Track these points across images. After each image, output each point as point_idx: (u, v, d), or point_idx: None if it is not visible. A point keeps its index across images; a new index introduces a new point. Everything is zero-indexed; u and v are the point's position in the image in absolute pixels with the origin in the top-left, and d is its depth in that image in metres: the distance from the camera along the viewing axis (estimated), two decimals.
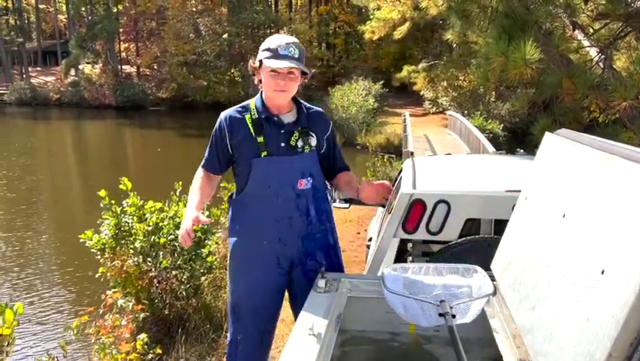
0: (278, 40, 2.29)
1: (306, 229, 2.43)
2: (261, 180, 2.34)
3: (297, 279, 2.47)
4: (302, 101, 2.49)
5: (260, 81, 2.35)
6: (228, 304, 2.55)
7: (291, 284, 2.50)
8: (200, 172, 2.50)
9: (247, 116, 2.37)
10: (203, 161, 2.48)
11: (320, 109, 2.54)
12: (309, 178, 2.39)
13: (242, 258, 2.44)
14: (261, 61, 2.29)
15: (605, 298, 1.16)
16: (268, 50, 2.27)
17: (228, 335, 2.57)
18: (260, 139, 2.32)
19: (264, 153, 2.32)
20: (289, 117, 2.40)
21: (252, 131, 2.33)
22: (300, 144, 2.36)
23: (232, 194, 2.50)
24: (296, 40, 2.34)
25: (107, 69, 41.35)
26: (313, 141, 2.40)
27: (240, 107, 2.42)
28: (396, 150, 18.76)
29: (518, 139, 17.21)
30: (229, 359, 2.56)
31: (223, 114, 2.41)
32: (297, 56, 2.27)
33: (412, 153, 4.70)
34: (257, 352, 2.53)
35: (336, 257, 2.56)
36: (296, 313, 2.43)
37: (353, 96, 24.02)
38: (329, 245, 2.52)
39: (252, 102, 2.42)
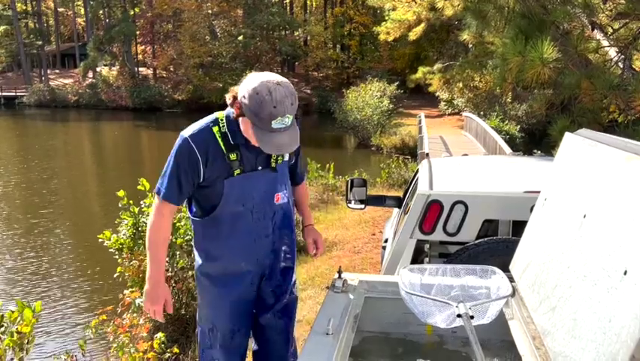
0: (270, 106, 1.87)
1: (277, 244, 2.31)
2: (235, 201, 2.13)
3: (265, 295, 2.35)
4: None
5: (236, 114, 2.00)
6: (200, 327, 2.39)
7: (257, 301, 2.37)
8: (162, 208, 2.13)
9: (215, 129, 2.08)
10: (164, 192, 2.10)
11: None
12: (284, 191, 2.26)
13: (219, 281, 2.25)
14: (242, 111, 1.95)
15: (628, 299, 1.15)
16: (256, 115, 1.90)
17: (199, 358, 2.44)
18: (232, 156, 2.07)
19: (237, 172, 2.09)
20: None
21: (222, 148, 2.07)
22: (275, 163, 2.20)
23: (193, 212, 2.24)
24: (291, 98, 1.92)
25: (124, 71, 41.86)
26: (287, 156, 2.25)
27: (205, 122, 2.12)
28: (411, 152, 18.71)
29: (535, 140, 17.06)
30: None
31: (187, 135, 2.07)
32: (290, 123, 1.93)
33: (427, 155, 4.68)
34: None
35: (293, 281, 2.44)
36: (260, 328, 2.36)
37: (368, 97, 23.99)
38: (293, 263, 2.42)
39: (221, 116, 2.12)
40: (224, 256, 2.22)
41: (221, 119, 2.11)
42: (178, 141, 2.09)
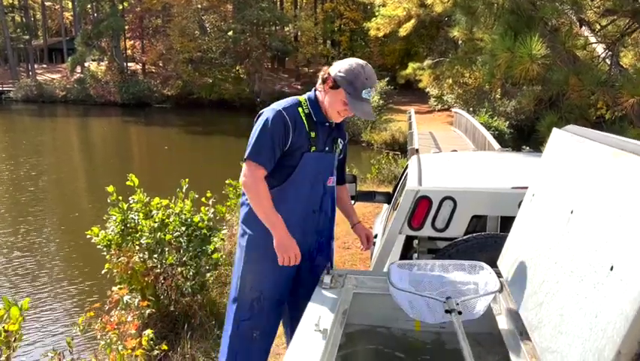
0: (363, 78, 2.28)
1: (321, 225, 2.51)
2: (306, 174, 2.39)
3: (303, 273, 2.48)
4: None
5: (327, 88, 2.35)
6: (238, 298, 2.46)
7: (295, 278, 2.50)
8: (259, 173, 2.32)
9: (300, 110, 2.39)
10: (260, 158, 2.31)
11: None
12: (334, 177, 2.54)
13: (273, 253, 2.33)
14: (336, 83, 2.30)
15: (614, 295, 1.15)
16: (351, 84, 2.28)
17: (229, 329, 2.47)
18: (312, 134, 2.39)
19: (313, 148, 2.39)
20: (333, 124, 2.48)
21: (306, 125, 2.38)
22: (335, 147, 2.50)
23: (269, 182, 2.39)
24: (374, 76, 2.36)
25: (112, 66, 41.48)
26: (342, 146, 2.55)
27: (290, 101, 2.42)
28: (401, 148, 18.75)
29: (524, 136, 17.14)
30: (233, 356, 2.47)
31: (279, 108, 2.36)
32: (371, 96, 2.34)
33: (417, 150, 4.69)
34: (269, 348, 2.51)
35: (331, 257, 2.65)
36: (296, 308, 2.42)
37: None
38: (331, 246, 2.63)
39: (302, 98, 2.44)
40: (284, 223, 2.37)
41: (304, 102, 2.43)
42: (269, 113, 2.34)
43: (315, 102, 2.42)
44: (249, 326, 2.44)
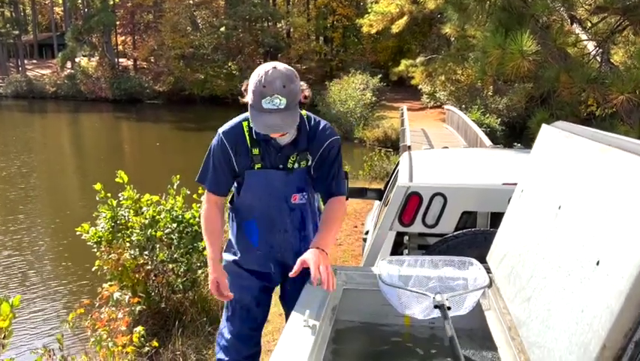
0: (260, 85, 1.95)
1: (299, 245, 2.33)
2: (254, 190, 2.26)
3: (287, 286, 2.44)
4: (309, 115, 2.28)
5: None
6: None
7: (283, 281, 2.46)
8: (210, 197, 2.30)
9: (245, 124, 2.22)
10: (207, 183, 2.28)
11: (325, 124, 2.29)
12: (304, 193, 2.30)
13: (238, 253, 2.40)
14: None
15: (600, 290, 1.16)
16: (251, 92, 1.99)
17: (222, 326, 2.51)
18: (255, 151, 2.20)
19: (257, 166, 2.21)
20: (287, 139, 2.18)
21: (247, 141, 2.20)
22: (296, 165, 2.23)
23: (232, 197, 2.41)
24: (283, 80, 1.97)
25: (103, 62, 41.20)
26: (310, 161, 2.26)
27: (238, 119, 2.25)
28: (393, 144, 18.78)
29: (515, 133, 17.23)
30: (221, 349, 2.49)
31: (222, 131, 2.24)
32: (283, 106, 1.96)
33: (409, 147, 4.70)
34: (245, 351, 2.46)
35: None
36: (287, 307, 2.41)
37: (351, 90, 24.02)
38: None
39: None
40: (239, 237, 2.36)
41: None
42: (215, 138, 2.25)
43: None
44: (228, 327, 2.44)
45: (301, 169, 2.25)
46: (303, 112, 2.24)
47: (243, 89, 2.11)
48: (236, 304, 2.43)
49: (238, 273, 2.39)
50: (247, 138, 2.20)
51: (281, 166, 2.22)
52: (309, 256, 2.03)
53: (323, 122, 2.29)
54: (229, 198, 2.43)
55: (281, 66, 2.02)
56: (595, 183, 1.41)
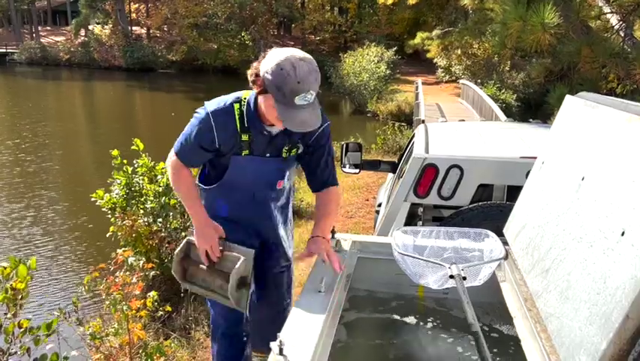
0: (293, 82, 1.82)
1: (282, 224, 2.38)
2: (240, 176, 2.18)
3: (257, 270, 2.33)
4: None
5: (257, 93, 1.98)
6: None
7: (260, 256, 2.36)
8: (176, 165, 2.20)
9: (236, 107, 2.09)
10: (181, 156, 2.17)
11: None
12: (287, 179, 2.30)
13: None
14: (265, 87, 1.90)
15: (625, 260, 1.14)
16: (279, 89, 1.84)
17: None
18: (244, 137, 2.09)
19: (245, 152, 2.12)
20: (280, 127, 2.06)
21: (237, 126, 2.08)
22: (287, 154, 2.20)
23: (201, 179, 2.32)
24: (314, 73, 1.87)
25: (116, 30, 40.99)
26: (300, 149, 2.23)
27: (229, 99, 2.12)
28: (407, 119, 18.61)
29: (531, 110, 16.99)
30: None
31: (211, 110, 2.09)
32: (312, 100, 1.88)
33: (423, 121, 4.65)
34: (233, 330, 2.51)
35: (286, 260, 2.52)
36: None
37: (365, 62, 23.69)
38: (280, 250, 2.45)
39: (245, 96, 2.11)
40: (222, 220, 2.25)
41: (244, 99, 2.10)
42: (201, 113, 2.11)
43: (251, 106, 2.08)
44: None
45: (292, 157, 2.24)
46: None
47: (252, 74, 1.94)
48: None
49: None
50: (237, 123, 2.08)
51: (268, 155, 2.16)
52: (316, 246, 2.10)
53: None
54: (197, 176, 2.35)
55: (306, 57, 1.89)
56: (621, 153, 1.37)
